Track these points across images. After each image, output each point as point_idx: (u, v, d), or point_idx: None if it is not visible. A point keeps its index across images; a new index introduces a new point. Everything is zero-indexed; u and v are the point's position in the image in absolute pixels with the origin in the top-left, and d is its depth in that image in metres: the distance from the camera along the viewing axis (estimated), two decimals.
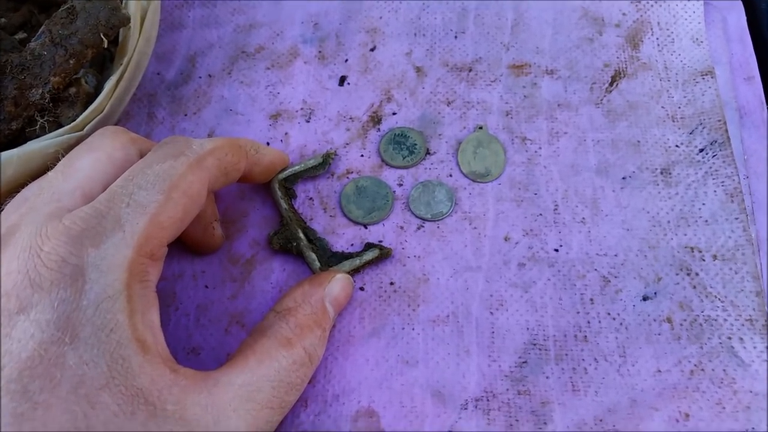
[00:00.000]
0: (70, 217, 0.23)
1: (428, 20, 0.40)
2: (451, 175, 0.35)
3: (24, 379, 0.20)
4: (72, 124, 0.32)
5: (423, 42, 0.40)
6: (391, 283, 0.33)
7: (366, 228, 0.34)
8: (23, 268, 0.22)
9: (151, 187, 0.24)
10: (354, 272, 0.33)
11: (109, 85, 0.33)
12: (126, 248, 0.23)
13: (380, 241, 0.34)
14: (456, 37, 0.40)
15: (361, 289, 0.33)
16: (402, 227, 0.34)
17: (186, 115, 0.38)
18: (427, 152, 0.36)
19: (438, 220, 0.34)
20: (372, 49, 0.40)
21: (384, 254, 0.33)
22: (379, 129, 0.37)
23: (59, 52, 0.31)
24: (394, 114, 0.37)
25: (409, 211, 0.35)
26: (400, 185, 0.35)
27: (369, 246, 0.33)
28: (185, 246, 0.34)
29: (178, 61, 0.40)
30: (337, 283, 0.30)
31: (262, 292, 0.33)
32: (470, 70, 0.38)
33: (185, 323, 0.32)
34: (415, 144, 0.36)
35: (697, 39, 0.38)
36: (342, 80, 0.39)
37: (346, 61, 0.39)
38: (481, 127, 0.36)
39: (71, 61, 0.32)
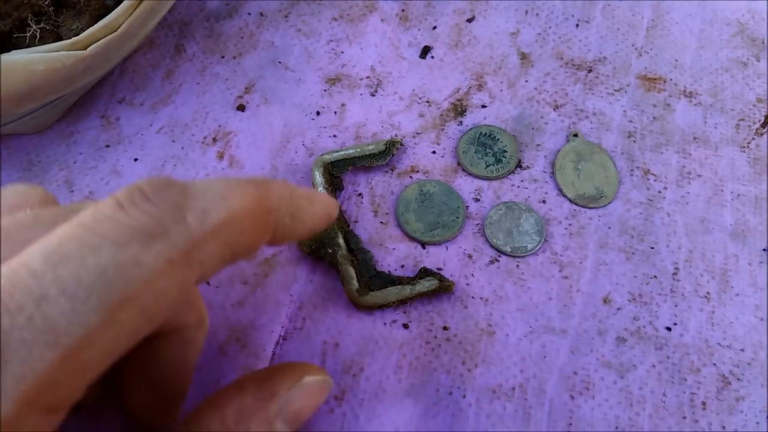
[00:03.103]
0: None
1: None
2: (544, 201, 0.27)
3: None
4: (73, 39, 0.25)
5: (535, 23, 0.31)
6: (445, 328, 0.25)
7: (424, 248, 0.26)
8: None
9: (82, 296, 0.13)
10: (400, 303, 0.25)
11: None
12: (4, 400, 0.12)
13: (440, 269, 0.26)
14: (577, 25, 0.31)
15: (405, 326, 0.25)
16: (470, 256, 0.26)
17: (223, 57, 0.30)
18: (519, 164, 0.28)
19: (519, 257, 0.26)
20: (470, 20, 0.31)
21: (443, 288, 0.25)
22: (461, 122, 0.29)
23: None
24: (483, 107, 0.29)
25: (483, 236, 0.27)
26: (477, 200, 0.27)
27: (425, 273, 0.25)
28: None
29: None
30: (302, 392, 0.18)
31: (276, 306, 0.25)
32: (590, 71, 0.30)
33: None
34: (505, 151, 0.28)
35: None
36: (425, 51, 0.31)
37: (434, 28, 0.31)
38: (576, 135, 0.28)
39: None
